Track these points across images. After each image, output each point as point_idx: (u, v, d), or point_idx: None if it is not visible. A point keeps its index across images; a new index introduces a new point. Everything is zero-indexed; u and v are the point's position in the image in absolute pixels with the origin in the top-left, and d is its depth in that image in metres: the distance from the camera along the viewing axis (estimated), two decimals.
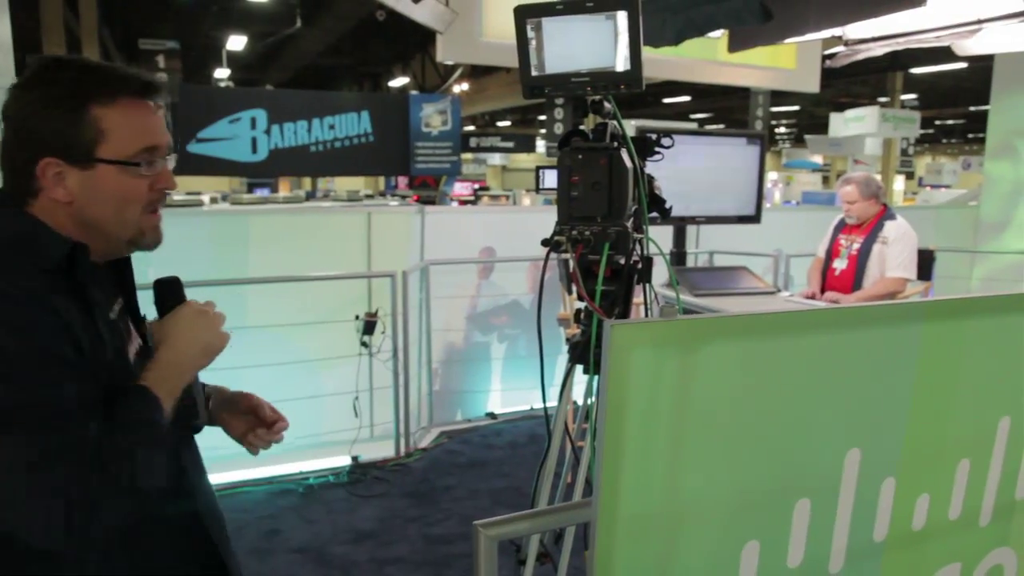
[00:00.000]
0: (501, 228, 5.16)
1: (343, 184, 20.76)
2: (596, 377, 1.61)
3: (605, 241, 1.44)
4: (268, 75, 21.03)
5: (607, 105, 1.48)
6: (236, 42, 14.72)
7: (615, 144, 1.49)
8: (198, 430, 1.35)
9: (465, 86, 19.64)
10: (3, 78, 2.98)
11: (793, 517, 1.22)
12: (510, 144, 23.41)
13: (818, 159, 26.22)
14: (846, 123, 16.96)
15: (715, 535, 1.18)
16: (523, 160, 30.69)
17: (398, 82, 20.34)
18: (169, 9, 13.00)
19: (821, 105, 22.39)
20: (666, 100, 23.03)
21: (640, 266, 1.59)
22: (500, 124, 28.25)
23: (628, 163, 1.48)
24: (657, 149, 1.71)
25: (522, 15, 1.35)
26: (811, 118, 26.86)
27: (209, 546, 1.30)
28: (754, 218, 4.41)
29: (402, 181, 19.82)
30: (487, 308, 5.12)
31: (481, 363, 5.15)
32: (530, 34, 1.37)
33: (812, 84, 10.54)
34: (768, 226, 4.59)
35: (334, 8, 13.50)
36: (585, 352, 1.57)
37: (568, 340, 4.11)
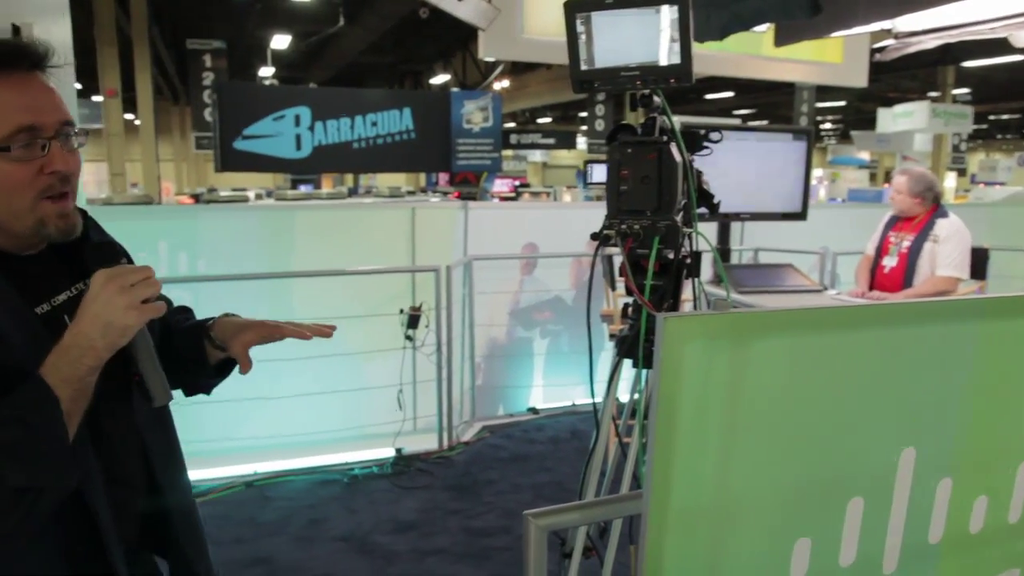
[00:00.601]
0: (544, 224, 5.16)
1: (384, 180, 20.96)
2: (644, 371, 1.61)
3: (655, 235, 1.44)
4: (311, 73, 21.29)
5: (656, 99, 1.47)
6: (280, 41, 14.94)
7: (664, 138, 1.48)
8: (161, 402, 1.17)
9: (506, 83, 19.68)
10: (64, 79, 3.06)
11: (846, 515, 1.21)
12: (551, 141, 23.41)
13: (865, 156, 25.71)
14: (894, 118, 16.62)
15: (765, 531, 1.17)
16: (564, 157, 30.65)
17: (439, 79, 20.45)
18: (216, 9, 13.23)
19: (868, 100, 21.96)
20: (709, 96, 22.79)
21: (689, 261, 1.58)
22: (541, 121, 28.22)
23: (677, 157, 1.47)
24: (705, 144, 1.70)
25: (572, 9, 1.35)
26: (857, 113, 26.34)
27: (174, 545, 1.23)
28: (800, 215, 4.34)
29: (443, 178, 19.94)
30: (530, 304, 5.12)
31: (523, 358, 5.17)
32: (579, 28, 1.37)
33: (860, 79, 10.32)
34: (813, 223, 4.53)
35: (376, 6, 13.62)
36: (633, 346, 1.57)
37: (612, 336, 4.11)
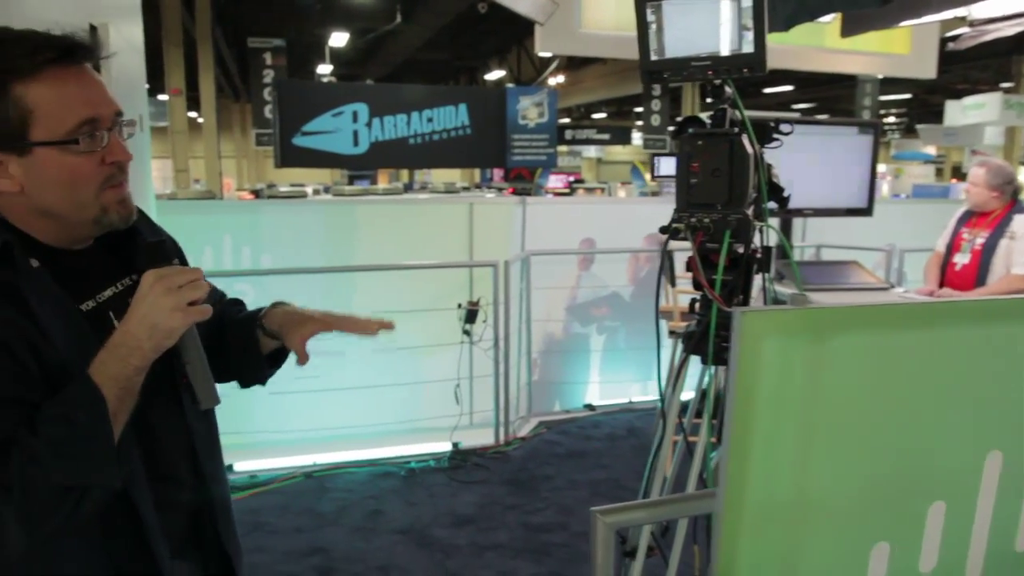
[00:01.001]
0: (601, 219, 5.13)
1: (439, 176, 21.11)
2: (712, 368, 1.58)
3: (726, 229, 1.41)
4: (367, 70, 21.54)
5: (727, 90, 1.44)
6: (338, 39, 15.15)
7: (736, 130, 1.45)
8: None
9: (561, 78, 19.60)
10: (137, 79, 3.14)
11: (927, 519, 1.17)
12: (606, 136, 23.23)
13: (931, 150, 24.90)
14: (964, 111, 16.05)
15: (843, 533, 1.14)
16: (618, 152, 30.42)
17: (494, 75, 20.48)
18: (277, 9, 13.49)
19: (935, 92, 21.24)
20: (767, 90, 22.33)
21: (759, 255, 1.54)
22: (595, 116, 28.05)
23: (749, 149, 1.44)
24: (775, 136, 1.66)
25: None
26: (923, 107, 25.51)
27: (213, 537, 1.23)
28: (866, 211, 4.22)
29: (497, 173, 19.98)
30: (587, 299, 5.10)
31: (580, 354, 5.14)
32: (650, 18, 1.35)
33: (928, 70, 9.99)
34: (876, 220, 4.40)
35: (432, 3, 13.70)
36: (701, 343, 1.54)
37: (672, 333, 4.06)
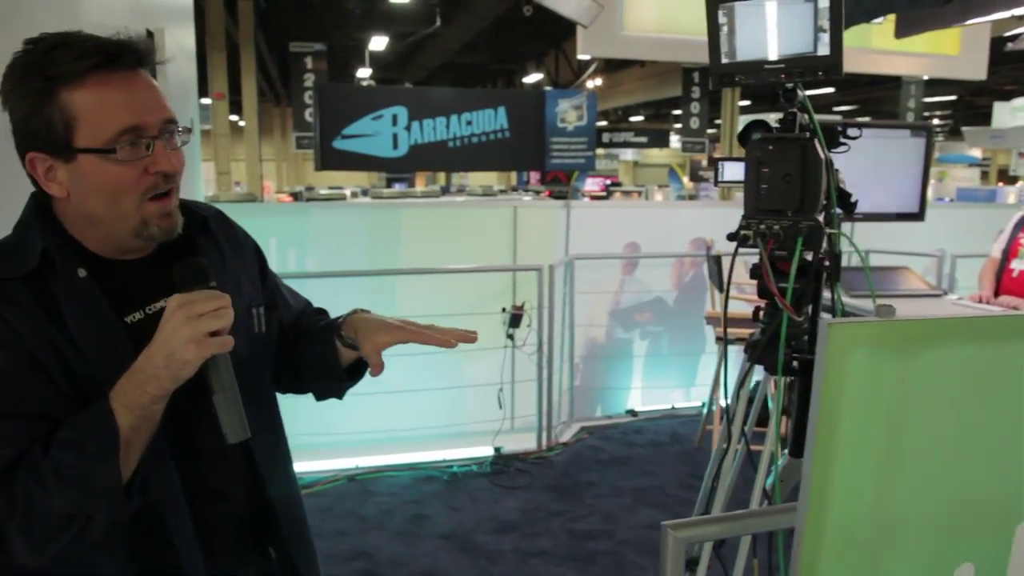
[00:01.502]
0: (645, 223, 5.08)
1: (475, 179, 21.14)
2: (778, 378, 1.54)
3: (797, 236, 1.37)
4: (406, 73, 21.67)
5: (799, 93, 1.40)
6: (378, 42, 15.25)
7: (807, 134, 1.41)
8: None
9: (598, 81, 19.54)
10: (188, 84, 3.18)
11: (1014, 542, 1.12)
12: (643, 139, 23.11)
13: (976, 153, 24.34)
14: (1013, 112, 15.70)
15: (926, 553, 1.09)
16: (655, 155, 30.23)
17: (531, 78, 20.47)
18: (318, 13, 13.62)
19: (981, 94, 20.77)
20: (807, 93, 21.98)
21: (827, 263, 1.50)
22: (632, 119, 27.91)
23: (821, 154, 1.40)
24: (843, 140, 1.62)
25: (715, 0, 1.30)
26: (968, 108, 24.95)
27: (276, 537, 1.21)
28: (917, 215, 4.13)
29: (533, 176, 19.96)
30: (630, 304, 5.05)
31: (622, 360, 5.10)
32: (721, 19, 1.32)
33: (978, 71, 9.79)
34: (923, 224, 4.31)
35: (471, 7, 13.74)
36: (767, 352, 1.50)
37: (718, 339, 3.99)
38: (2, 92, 0.98)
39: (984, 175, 25.20)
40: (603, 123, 24.58)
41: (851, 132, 1.61)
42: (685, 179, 21.49)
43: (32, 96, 0.96)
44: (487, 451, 4.30)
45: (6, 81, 0.98)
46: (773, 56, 1.32)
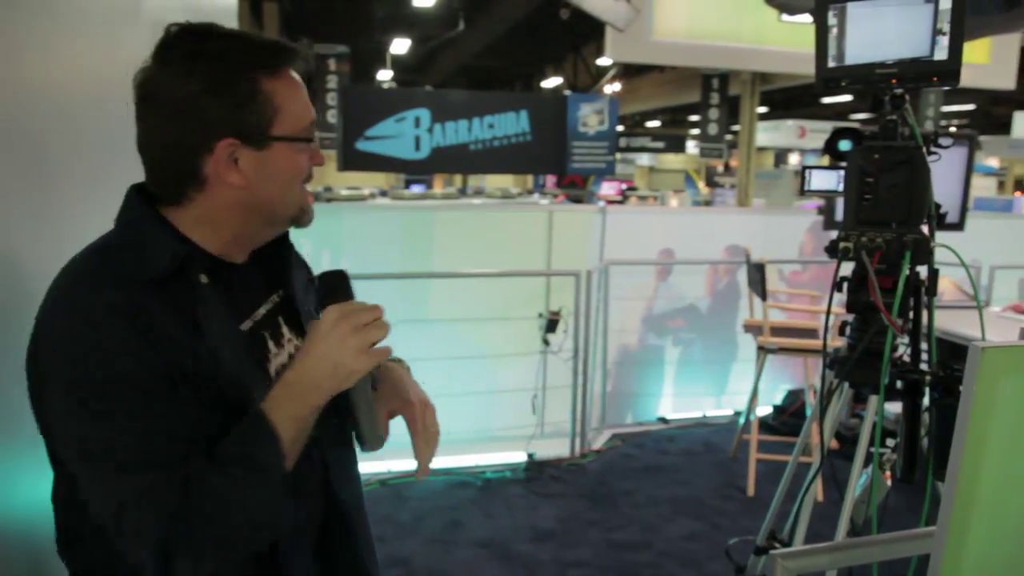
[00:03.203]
0: (680, 229, 5.03)
1: (493, 182, 21.11)
2: (874, 397, 1.48)
3: (903, 249, 1.32)
4: (426, 76, 21.68)
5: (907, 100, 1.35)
6: (400, 45, 15.25)
7: (914, 143, 1.36)
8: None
9: (617, 86, 19.48)
10: None
11: None
12: (660, 144, 23.03)
13: (993, 162, 24.15)
14: None
15: None
16: (671, 161, 30.13)
17: (550, 82, 20.43)
18: (342, 17, 13.64)
19: (999, 104, 20.58)
20: (825, 100, 21.87)
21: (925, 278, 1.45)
22: (648, 124, 27.83)
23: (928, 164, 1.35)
24: (933, 150, 1.56)
25: (825, 1, 1.25)
26: (986, 118, 24.75)
27: (348, 539, 1.19)
28: (957, 226, 4.06)
29: (550, 180, 19.89)
30: (663, 310, 5.00)
31: (655, 366, 5.04)
32: (831, 21, 1.27)
33: (1007, 80, 9.72)
34: (958, 234, 4.24)
35: (492, 10, 13.72)
36: (859, 370, 1.44)
37: (761, 348, 3.92)
38: (172, 78, 0.96)
39: (1000, 184, 25.01)
40: (620, 128, 24.51)
41: (943, 142, 1.55)
42: (701, 184, 21.41)
43: (241, 83, 0.97)
44: (520, 457, 4.26)
45: (204, 70, 0.96)
46: (886, 60, 1.27)
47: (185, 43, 0.97)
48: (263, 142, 0.99)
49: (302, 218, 1.07)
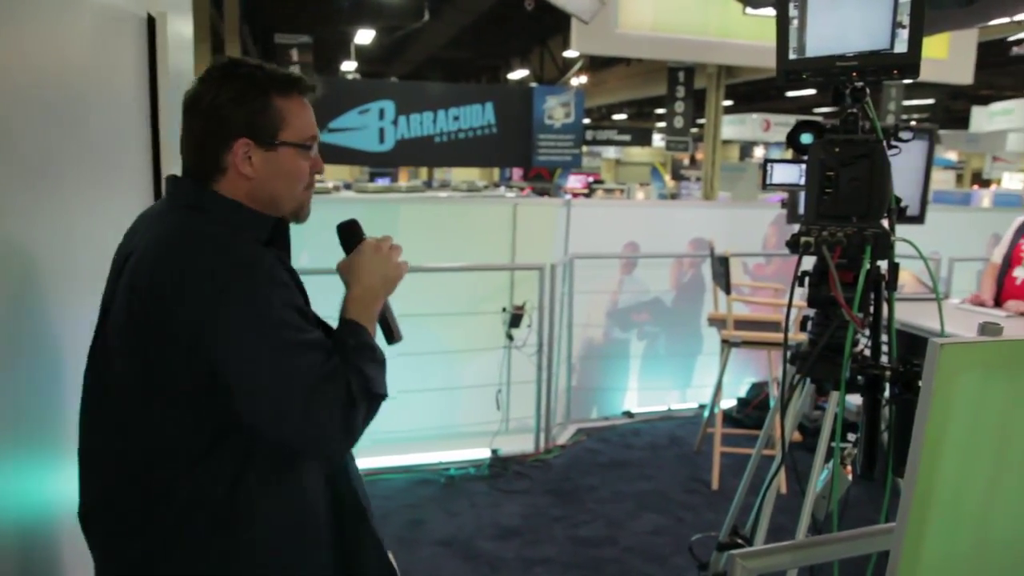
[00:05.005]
0: (645, 223, 5.01)
1: (459, 175, 20.98)
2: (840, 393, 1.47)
3: (864, 244, 1.30)
4: (391, 68, 21.46)
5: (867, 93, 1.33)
6: (364, 36, 15.04)
7: (873, 136, 1.34)
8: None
9: (583, 79, 19.46)
10: (186, 73, 3.05)
11: None
12: (626, 137, 23.10)
13: (952, 156, 24.61)
14: (991, 117, 15.86)
15: None
16: (637, 154, 30.23)
17: (517, 75, 20.36)
18: (305, 5, 13.42)
19: (958, 98, 20.96)
20: (790, 94, 22.09)
21: (884, 272, 1.43)
22: (615, 117, 27.89)
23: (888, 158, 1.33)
24: (893, 143, 1.55)
25: None
26: (945, 112, 25.21)
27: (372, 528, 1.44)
28: (917, 219, 4.10)
29: (516, 173, 19.84)
30: (628, 304, 4.98)
31: (619, 360, 5.03)
32: (792, 12, 1.24)
33: (965, 75, 9.87)
34: (918, 227, 4.29)
35: (459, 2, 13.59)
36: (818, 364, 1.42)
37: (725, 342, 3.92)
38: (211, 93, 1.26)
39: (959, 178, 25.50)
40: (586, 121, 24.52)
41: (903, 135, 1.53)
42: (667, 177, 21.51)
43: (258, 98, 1.27)
44: (484, 453, 4.22)
45: (232, 86, 1.26)
46: (846, 52, 1.24)
47: (222, 69, 1.28)
48: (271, 145, 1.28)
49: (301, 214, 1.37)
